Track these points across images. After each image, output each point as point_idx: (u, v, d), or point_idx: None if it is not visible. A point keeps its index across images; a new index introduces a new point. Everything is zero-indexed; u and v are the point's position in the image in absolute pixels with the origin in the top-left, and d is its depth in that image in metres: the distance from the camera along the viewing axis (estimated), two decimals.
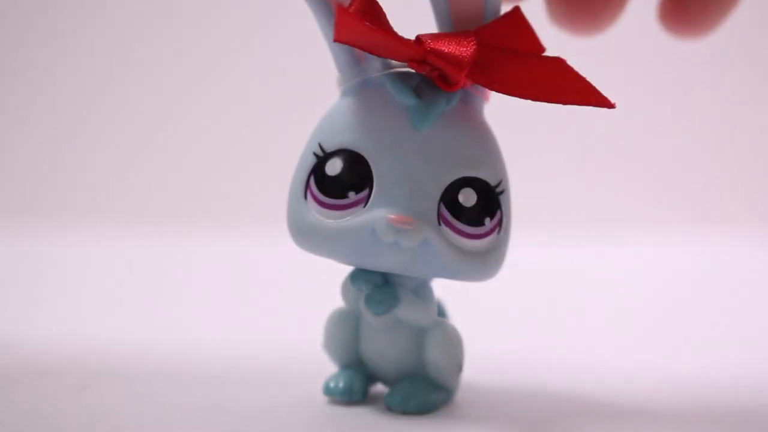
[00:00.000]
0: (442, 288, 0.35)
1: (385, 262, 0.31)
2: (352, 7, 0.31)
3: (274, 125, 0.88)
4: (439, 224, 0.31)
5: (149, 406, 0.34)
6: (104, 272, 0.66)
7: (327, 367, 0.35)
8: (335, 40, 0.31)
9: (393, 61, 0.32)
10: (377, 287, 0.32)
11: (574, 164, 0.85)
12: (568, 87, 0.30)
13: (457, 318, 0.37)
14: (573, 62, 0.31)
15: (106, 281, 0.63)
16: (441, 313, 0.36)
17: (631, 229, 0.75)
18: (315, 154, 0.32)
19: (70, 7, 0.91)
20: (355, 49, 0.32)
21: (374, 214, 0.31)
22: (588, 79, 0.30)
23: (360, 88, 0.32)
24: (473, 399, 0.35)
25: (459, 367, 0.34)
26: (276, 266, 0.66)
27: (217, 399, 0.35)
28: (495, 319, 0.50)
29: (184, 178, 0.88)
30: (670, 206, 0.83)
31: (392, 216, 0.31)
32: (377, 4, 0.31)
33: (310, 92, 0.87)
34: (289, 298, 0.57)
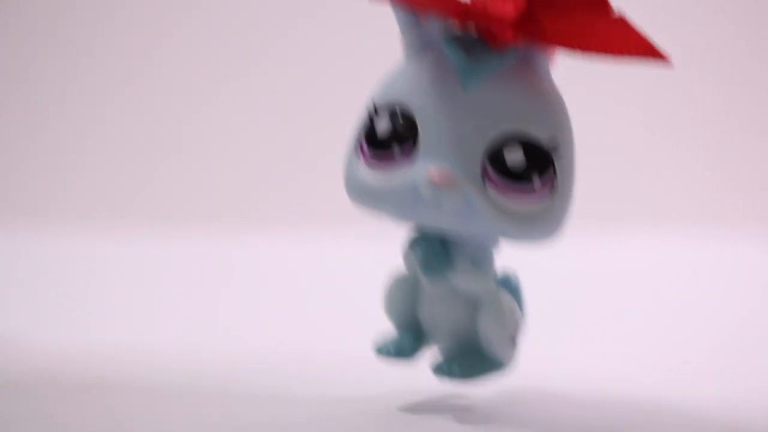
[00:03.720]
0: None
1: (428, 220, 0.31)
2: None
3: (280, 123, 0.88)
4: (484, 182, 0.31)
5: (152, 406, 0.34)
6: (109, 273, 0.66)
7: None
8: None
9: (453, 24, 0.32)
10: (433, 252, 0.32)
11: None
12: (624, 41, 0.30)
13: None
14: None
15: (111, 282, 0.63)
16: (510, 284, 0.35)
17: (630, 228, 0.75)
18: (368, 111, 0.32)
19: (89, 5, 0.91)
20: (415, 14, 0.32)
21: (416, 169, 0.31)
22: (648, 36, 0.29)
23: (420, 50, 0.32)
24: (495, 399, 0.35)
25: (511, 340, 0.33)
26: (283, 267, 0.66)
27: (222, 399, 0.35)
28: None
29: (191, 178, 0.88)
30: (668, 205, 0.83)
31: (433, 171, 0.30)
32: None
33: (318, 94, 0.87)
34: (297, 301, 0.57)
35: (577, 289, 0.60)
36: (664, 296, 0.58)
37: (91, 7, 0.91)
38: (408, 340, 0.34)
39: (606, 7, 0.31)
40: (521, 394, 0.36)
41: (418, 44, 0.32)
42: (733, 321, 0.51)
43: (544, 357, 0.40)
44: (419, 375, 0.35)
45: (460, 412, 0.34)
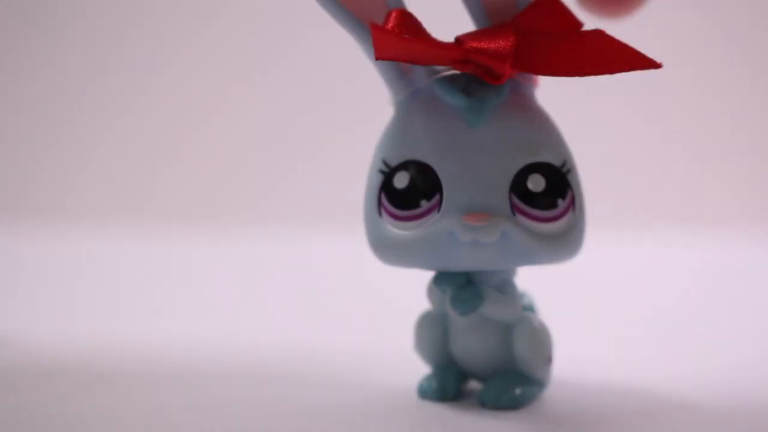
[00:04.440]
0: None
1: (468, 261, 0.32)
2: (389, 23, 0.32)
3: (279, 127, 0.88)
4: (514, 214, 0.32)
5: (154, 406, 0.34)
6: (111, 271, 0.66)
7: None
8: (377, 59, 0.31)
9: (438, 67, 0.33)
10: (461, 288, 0.33)
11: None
12: (612, 56, 0.31)
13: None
14: None
15: (114, 280, 0.63)
16: (530, 306, 0.37)
17: (629, 229, 0.75)
18: (381, 171, 0.33)
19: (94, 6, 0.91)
20: (400, 63, 0.33)
21: (449, 218, 0.31)
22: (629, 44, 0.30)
23: (411, 100, 0.33)
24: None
25: (548, 359, 0.34)
26: (282, 265, 0.66)
27: (224, 398, 0.35)
28: None
29: (192, 178, 0.88)
30: (668, 205, 0.83)
31: (466, 215, 0.31)
32: (412, 15, 0.32)
33: (319, 95, 0.87)
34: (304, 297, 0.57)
35: (574, 289, 0.60)
36: (662, 297, 0.59)
37: (101, 7, 0.91)
38: (450, 380, 0.35)
39: (579, 25, 0.32)
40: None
41: (408, 94, 0.33)
42: (732, 321, 0.51)
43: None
44: (419, 375, 0.36)
45: (465, 408, 0.34)
